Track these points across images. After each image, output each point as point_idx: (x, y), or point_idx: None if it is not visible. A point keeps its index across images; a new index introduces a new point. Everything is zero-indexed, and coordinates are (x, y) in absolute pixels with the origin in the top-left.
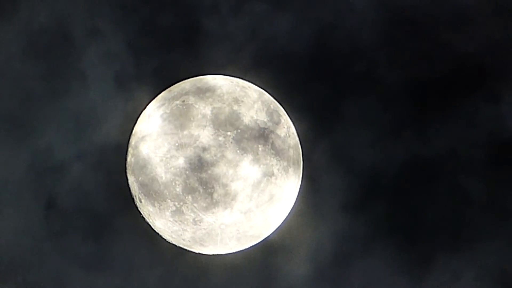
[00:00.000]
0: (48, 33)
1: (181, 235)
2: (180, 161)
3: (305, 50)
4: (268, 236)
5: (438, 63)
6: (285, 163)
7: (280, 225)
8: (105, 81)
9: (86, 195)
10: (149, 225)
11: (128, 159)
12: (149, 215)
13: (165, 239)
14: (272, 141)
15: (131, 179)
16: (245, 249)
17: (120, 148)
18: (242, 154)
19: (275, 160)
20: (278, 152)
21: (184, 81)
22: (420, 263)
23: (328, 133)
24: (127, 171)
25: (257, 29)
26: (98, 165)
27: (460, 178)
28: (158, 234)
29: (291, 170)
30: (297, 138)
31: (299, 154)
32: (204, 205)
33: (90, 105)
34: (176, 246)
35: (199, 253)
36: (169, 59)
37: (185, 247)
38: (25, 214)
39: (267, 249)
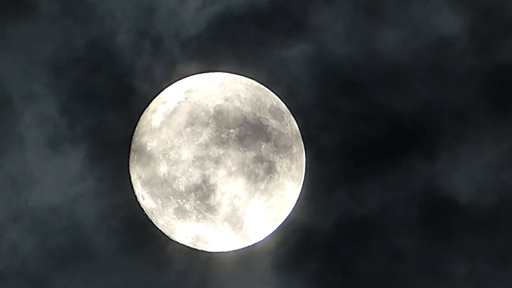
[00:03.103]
0: None
1: (183, 232)
2: (183, 158)
3: None
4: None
5: (372, 123)
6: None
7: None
8: (40, 143)
9: (21, 257)
10: (152, 223)
11: (131, 156)
12: (152, 212)
13: (167, 236)
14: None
15: (133, 177)
16: (246, 247)
17: (55, 209)
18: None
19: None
20: None
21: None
22: None
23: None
24: (130, 168)
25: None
26: (33, 227)
27: (393, 236)
28: (161, 231)
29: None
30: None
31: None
32: (207, 202)
33: (26, 168)
34: (178, 243)
35: (202, 250)
36: (103, 120)
37: (187, 245)
38: None
39: None
